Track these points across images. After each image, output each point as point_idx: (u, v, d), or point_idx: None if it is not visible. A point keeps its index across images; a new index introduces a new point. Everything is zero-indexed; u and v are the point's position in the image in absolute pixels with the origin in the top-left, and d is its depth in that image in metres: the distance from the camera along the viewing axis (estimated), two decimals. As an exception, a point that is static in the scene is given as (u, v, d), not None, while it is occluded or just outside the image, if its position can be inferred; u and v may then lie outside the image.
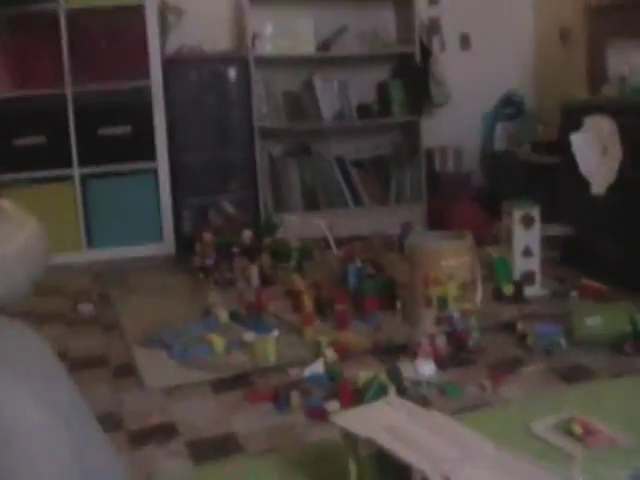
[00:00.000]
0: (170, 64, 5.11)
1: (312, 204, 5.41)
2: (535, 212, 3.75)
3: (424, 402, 2.54)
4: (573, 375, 2.82)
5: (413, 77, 5.55)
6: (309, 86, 5.46)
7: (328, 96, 5.46)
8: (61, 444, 1.06)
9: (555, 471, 1.62)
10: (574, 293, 3.68)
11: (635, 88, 4.19)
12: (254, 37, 5.25)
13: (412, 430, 1.79)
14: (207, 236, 4.27)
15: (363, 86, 5.64)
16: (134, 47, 5.02)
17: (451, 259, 3.22)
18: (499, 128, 5.90)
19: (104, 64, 4.99)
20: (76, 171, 5.01)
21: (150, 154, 5.11)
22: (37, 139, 4.95)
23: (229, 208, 5.11)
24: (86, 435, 1.21)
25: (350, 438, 1.87)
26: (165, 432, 2.52)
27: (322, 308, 3.46)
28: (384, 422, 1.83)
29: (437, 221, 5.11)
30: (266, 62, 5.33)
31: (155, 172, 5.15)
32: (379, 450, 1.77)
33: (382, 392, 2.51)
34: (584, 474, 2.04)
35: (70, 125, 4.95)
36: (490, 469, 1.63)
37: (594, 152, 4.07)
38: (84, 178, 5.05)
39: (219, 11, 5.48)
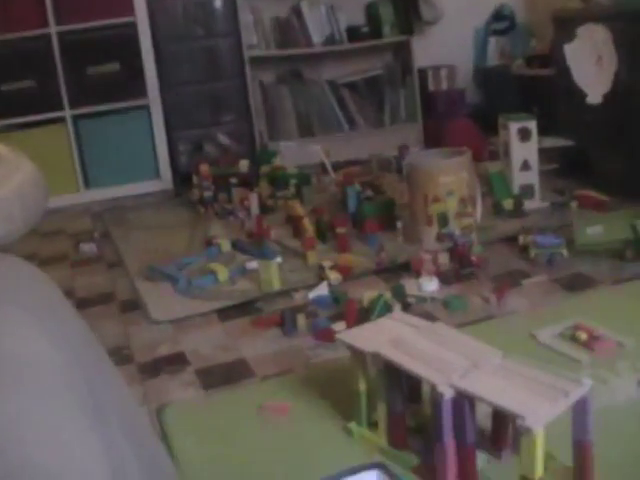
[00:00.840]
0: (155, -4, 5.02)
1: (307, 130, 5.37)
2: (532, 125, 3.72)
3: (429, 317, 2.56)
4: (576, 284, 2.84)
5: (401, -5, 5.47)
6: (297, 11, 5.37)
7: (317, 20, 5.37)
8: (75, 380, 1.07)
9: (563, 375, 1.63)
10: (574, 204, 3.68)
11: (627, -6, 4.12)
12: (238, -37, 5.15)
13: (418, 342, 1.81)
14: (204, 168, 4.25)
15: (352, 8, 5.54)
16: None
17: (449, 176, 3.21)
18: (492, 43, 5.83)
19: (87, 1, 4.90)
20: (67, 112, 4.96)
21: (141, 90, 5.05)
22: (25, 83, 4.89)
23: (224, 139, 5.08)
24: (98, 371, 1.22)
25: (357, 355, 1.89)
26: (175, 362, 2.55)
27: (323, 232, 3.47)
28: (390, 337, 1.85)
29: (433, 140, 5.08)
30: (252, -12, 5.24)
31: (147, 108, 5.10)
32: (387, 365, 1.79)
33: (387, 310, 2.53)
34: (592, 379, 2.06)
35: (57, 66, 4.88)
36: (500, 376, 1.64)
37: (589, 62, 4.02)
38: (76, 119, 5.01)
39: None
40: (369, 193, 3.89)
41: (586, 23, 4.01)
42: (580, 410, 1.60)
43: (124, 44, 5.02)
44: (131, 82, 5.05)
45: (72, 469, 0.95)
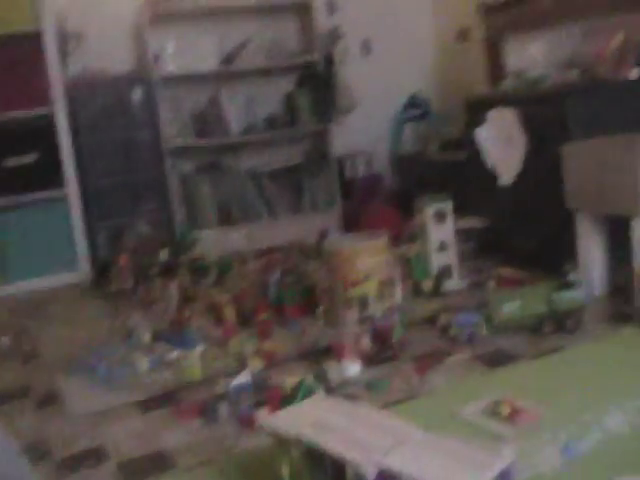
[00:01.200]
0: (73, 89, 5.04)
1: (227, 219, 5.39)
2: (447, 207, 3.82)
3: (352, 399, 2.55)
4: (496, 360, 2.88)
5: (318, 86, 5.59)
6: (216, 102, 5.44)
7: (235, 111, 5.45)
8: None
9: (485, 448, 1.64)
10: (491, 282, 3.75)
11: (532, 79, 4.31)
12: (156, 56, 5.22)
13: (340, 424, 1.80)
14: (123, 259, 4.23)
15: (270, 98, 5.66)
16: (35, 74, 4.95)
17: (367, 258, 3.25)
18: (407, 130, 6.00)
19: (5, 93, 4.89)
20: (-17, 205, 4.89)
21: (59, 181, 5.03)
22: (-59, 176, 4.83)
23: (144, 229, 5.06)
24: (11, 468, 1.19)
25: (281, 440, 1.87)
26: (95, 456, 2.47)
27: (245, 319, 3.46)
28: (312, 420, 1.83)
29: (352, 225, 5.14)
30: (170, 81, 5.30)
31: (65, 199, 5.06)
32: (310, 448, 1.77)
33: (310, 395, 2.50)
34: (515, 451, 2.08)
35: (-28, 158, 4.84)
36: (422, 452, 1.64)
37: (499, 144, 4.17)
38: (-7, 211, 4.94)
39: (119, 33, 5.41)
40: (290, 279, 3.90)
41: (495, 107, 4.16)
42: (503, 482, 1.60)
43: (42, 135, 5.00)
44: (49, 173, 5.02)
45: None
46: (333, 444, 1.71)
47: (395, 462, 1.61)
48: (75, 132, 5.04)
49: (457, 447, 1.64)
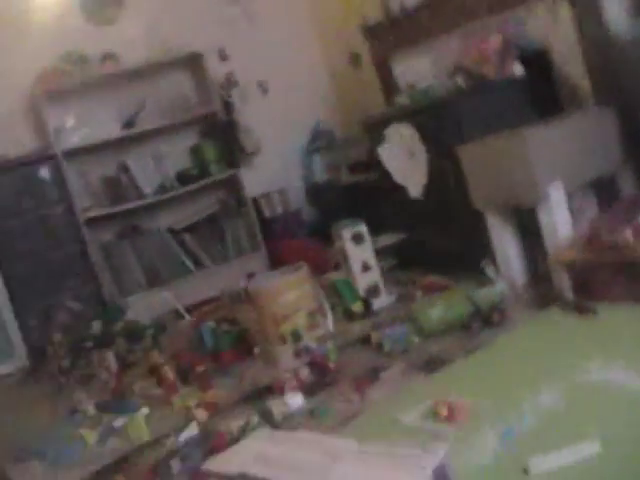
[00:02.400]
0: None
1: (155, 279, 5.39)
2: (362, 228, 3.91)
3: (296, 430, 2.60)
4: (430, 365, 2.96)
5: (222, 134, 5.67)
6: (124, 167, 5.47)
7: (145, 172, 5.47)
8: None
9: (418, 448, 1.71)
10: (418, 293, 3.84)
11: (423, 91, 4.45)
12: (58, 132, 5.23)
13: (279, 453, 1.85)
14: (57, 337, 4.21)
15: (176, 154, 5.70)
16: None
17: (292, 292, 3.31)
18: (316, 160, 6.09)
19: None
20: None
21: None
22: None
23: (74, 305, 5.03)
24: None
25: (227, 480, 1.91)
26: None
27: (184, 375, 3.48)
28: (254, 454, 1.88)
29: (279, 263, 5.20)
30: (76, 154, 5.30)
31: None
32: (256, 482, 1.82)
33: (256, 433, 2.55)
34: (457, 443, 2.16)
35: None
36: (359, 463, 1.70)
37: (402, 159, 4.28)
38: None
39: (15, 112, 5.39)
40: (225, 327, 3.93)
41: (392, 124, 4.28)
42: (440, 476, 1.67)
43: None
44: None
45: None
46: (275, 473, 1.76)
47: (334, 478, 1.66)
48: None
49: (392, 451, 1.71)
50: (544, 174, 3.25)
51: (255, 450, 1.91)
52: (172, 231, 5.56)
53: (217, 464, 1.97)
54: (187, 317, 4.41)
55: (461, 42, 4.59)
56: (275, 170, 5.93)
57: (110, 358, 3.91)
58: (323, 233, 5.00)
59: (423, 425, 2.41)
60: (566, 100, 3.96)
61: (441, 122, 3.96)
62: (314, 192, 6.03)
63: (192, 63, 5.74)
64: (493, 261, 3.57)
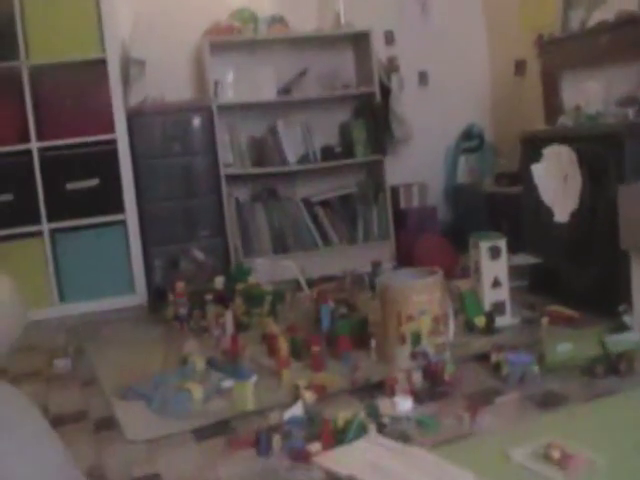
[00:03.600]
0: (134, 116, 5.17)
1: (282, 247, 5.46)
2: (501, 243, 3.83)
3: (404, 437, 2.57)
4: (547, 401, 2.87)
5: (374, 116, 5.65)
6: (273, 131, 5.54)
7: (292, 140, 5.54)
8: None
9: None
10: (544, 320, 3.74)
11: (590, 116, 4.32)
12: (216, 85, 5.33)
13: (393, 466, 1.83)
14: (179, 285, 4.30)
15: (326, 128, 5.74)
16: (98, 100, 5.08)
17: (422, 295, 3.27)
18: (462, 162, 6.03)
19: (68, 119, 5.04)
20: (45, 226, 5.03)
21: (118, 206, 5.15)
22: (4, 197, 4.97)
23: (199, 256, 5.14)
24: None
25: (333, 478, 1.91)
26: (150, 484, 2.53)
27: (297, 351, 3.50)
28: (365, 460, 1.87)
29: (406, 257, 5.18)
30: (229, 109, 5.41)
31: (124, 224, 5.18)
32: (363, 488, 1.80)
33: (362, 430, 2.54)
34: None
35: (37, 181, 4.97)
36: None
37: (555, 181, 4.17)
38: (53, 233, 5.07)
39: (181, 61, 5.56)
40: (343, 310, 3.94)
41: (552, 144, 4.17)
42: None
43: (104, 160, 5.13)
44: (109, 198, 5.14)
45: None
46: (386, 487, 1.74)
47: (447, 508, 1.64)
48: (135, 158, 5.16)
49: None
50: None
51: (368, 456, 1.90)
52: (307, 203, 5.59)
53: (326, 458, 1.96)
54: (307, 290, 4.43)
55: (638, 74, 4.43)
56: (418, 164, 5.89)
57: (227, 317, 3.97)
58: (456, 236, 4.95)
59: (533, 466, 2.34)
60: None
61: (604, 153, 3.82)
62: (454, 193, 5.96)
63: (358, 40, 5.75)
64: (630, 308, 3.44)
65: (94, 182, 5.13)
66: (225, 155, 5.37)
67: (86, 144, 5.06)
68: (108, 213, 5.14)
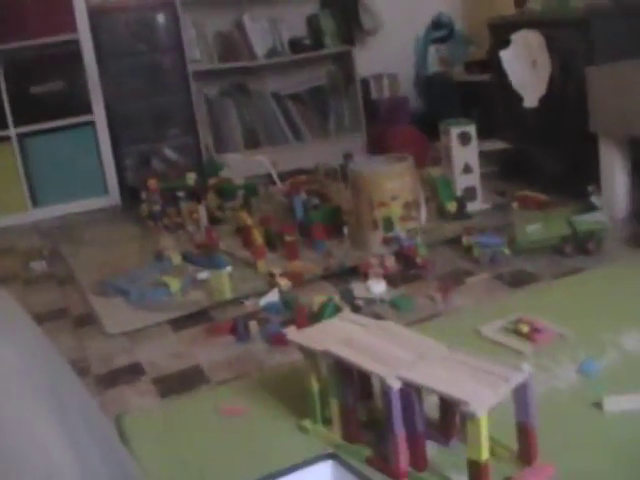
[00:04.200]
0: (97, 15, 5.05)
1: (253, 142, 5.44)
2: (471, 129, 3.84)
3: (378, 318, 2.63)
4: (517, 280, 2.95)
5: (342, 7, 5.56)
6: (239, 25, 5.44)
7: (259, 33, 5.45)
8: (38, 383, 1.12)
9: (504, 363, 1.72)
10: (515, 205, 3.79)
11: (558, 1, 4.26)
12: (179, -22, 5.21)
13: (367, 340, 1.88)
14: (152, 182, 4.29)
15: (293, 20, 5.64)
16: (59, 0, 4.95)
17: (393, 181, 3.30)
18: (432, 51, 5.96)
19: (29, 20, 4.91)
20: (12, 131, 4.96)
21: (86, 107, 5.08)
22: (-33, 103, 4.89)
23: (171, 154, 5.12)
24: (61, 378, 1.27)
25: (309, 355, 1.96)
26: (131, 372, 2.59)
27: (272, 241, 3.53)
28: (339, 336, 1.92)
29: (377, 147, 5.17)
30: (193, 4, 5.28)
31: (93, 125, 5.12)
32: (337, 362, 1.86)
33: (337, 313, 2.58)
34: (534, 368, 2.16)
35: (0, 85, 4.88)
36: (445, 367, 1.72)
37: (524, 66, 4.15)
38: (21, 138, 5.01)
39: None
40: (316, 201, 3.96)
41: (520, 29, 4.13)
42: (521, 395, 1.69)
43: (67, 61, 5.05)
44: (76, 99, 5.07)
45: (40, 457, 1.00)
46: (360, 358, 1.80)
47: (418, 375, 1.69)
48: (100, 57, 5.06)
49: (477, 363, 1.72)
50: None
51: (342, 331, 1.94)
52: (277, 97, 5.55)
53: (300, 337, 2.01)
54: (279, 184, 4.43)
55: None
56: (388, 54, 5.81)
57: (201, 211, 3.98)
58: (427, 125, 4.94)
59: (503, 340, 2.42)
60: None
61: (573, 38, 3.80)
62: (424, 83, 5.92)
63: None
64: (598, 189, 3.49)
65: (59, 85, 5.05)
66: (192, 51, 5.28)
67: (49, 45, 4.94)
68: (75, 115, 5.07)
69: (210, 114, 5.40)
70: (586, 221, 3.17)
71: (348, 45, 5.54)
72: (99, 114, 5.09)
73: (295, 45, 5.53)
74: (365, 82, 5.67)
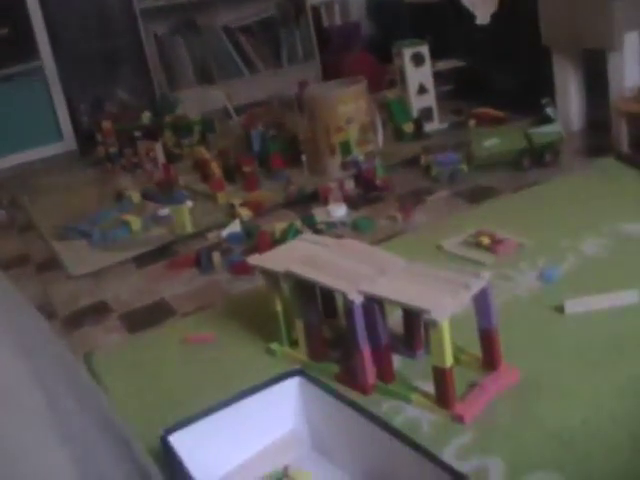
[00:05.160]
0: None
1: (207, 78, 5.36)
2: (424, 50, 3.82)
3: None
4: (477, 196, 2.97)
5: None
6: (185, -42, 5.32)
7: (205, -34, 5.34)
8: (4, 329, 1.11)
9: (463, 271, 1.74)
10: (472, 122, 3.79)
11: None
12: None
13: (327, 258, 1.89)
14: (106, 125, 4.23)
15: (239, -49, 5.52)
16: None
17: (348, 104, 3.29)
18: (382, -25, 5.88)
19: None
20: (-40, 82, 4.85)
21: (33, 53, 4.97)
22: None
23: (124, 95, 5.04)
24: (23, 317, 1.27)
25: (271, 277, 1.96)
26: (97, 311, 2.59)
27: (230, 174, 3.52)
28: (300, 256, 1.92)
29: (332, 75, 5.11)
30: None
31: (42, 71, 5.01)
32: (299, 282, 1.86)
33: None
34: (496, 277, 2.19)
35: (-57, 35, 4.76)
36: (405, 279, 1.74)
37: (474, -17, 4.11)
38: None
39: None
40: (273, 132, 3.93)
41: (468, -54, 4.09)
42: (482, 300, 1.71)
43: (10, 7, 4.90)
44: (22, 46, 4.94)
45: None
46: (321, 276, 1.80)
47: (379, 289, 1.70)
48: (44, 1, 4.93)
49: (437, 273, 1.73)
50: (623, 20, 3.12)
51: (302, 252, 1.95)
52: (227, 30, 5.45)
53: (261, 260, 2.01)
54: (235, 117, 4.40)
55: None
56: (338, -21, 5.73)
57: (158, 149, 3.94)
58: (381, 50, 4.90)
59: (464, 253, 2.44)
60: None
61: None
62: (376, 6, 5.85)
63: None
64: (553, 102, 3.49)
65: (4, 31, 4.92)
66: (138, -12, 5.16)
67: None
68: (23, 61, 4.96)
69: (161, 52, 5.29)
70: (542, 133, 3.17)
71: (297, -27, 5.45)
72: (47, 60, 4.97)
73: (243, -24, 5.43)
74: (316, 10, 5.58)
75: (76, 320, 2.56)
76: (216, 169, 3.40)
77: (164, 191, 3.49)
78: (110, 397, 1.93)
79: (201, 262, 2.69)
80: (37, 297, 2.79)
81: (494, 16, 4.00)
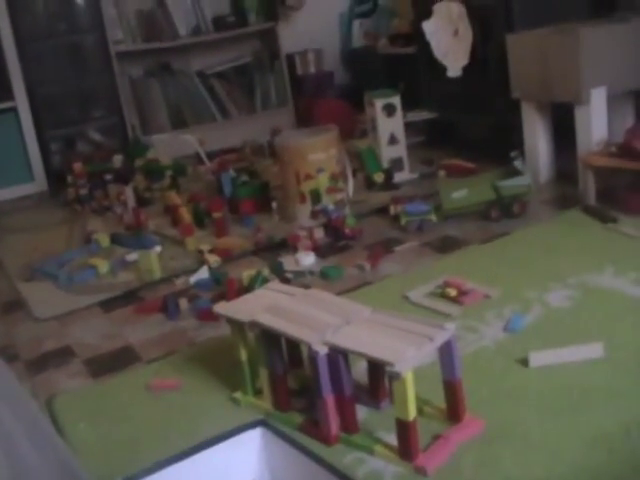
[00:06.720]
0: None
1: (180, 122, 5.39)
2: (396, 100, 3.86)
3: (307, 289, 2.65)
4: (445, 246, 2.99)
5: (264, -17, 5.53)
6: (161, 3, 5.37)
7: (181, 11, 5.39)
8: None
9: (428, 323, 1.74)
10: (442, 173, 3.83)
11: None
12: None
13: (293, 307, 1.89)
14: (77, 166, 4.23)
15: (216, -3, 5.59)
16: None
17: (319, 153, 3.31)
18: (356, 25, 5.96)
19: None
20: None
21: (7, 93, 4.97)
22: None
23: (96, 136, 5.04)
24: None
25: (236, 327, 1.96)
26: (61, 355, 2.55)
27: (200, 219, 3.52)
28: (266, 305, 1.92)
29: (305, 122, 5.17)
30: (113, -18, 5.20)
31: (15, 111, 5.01)
32: (264, 331, 1.86)
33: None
34: (462, 329, 2.20)
35: None
36: (369, 329, 1.74)
37: (446, 36, 4.18)
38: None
39: None
40: (244, 178, 3.95)
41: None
42: (446, 352, 1.72)
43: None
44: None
45: None
46: (286, 326, 1.80)
47: (344, 340, 1.71)
48: (19, 40, 4.95)
49: (401, 323, 1.74)
50: (590, 76, 3.19)
51: (268, 301, 1.95)
52: (202, 75, 5.50)
53: (227, 309, 2.01)
54: (208, 163, 4.41)
55: None
56: (313, 30, 5.80)
57: (128, 193, 3.94)
58: (353, 98, 4.96)
59: (431, 304, 2.45)
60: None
61: (492, 5, 3.84)
62: (350, 57, 5.94)
63: None
64: (522, 154, 3.54)
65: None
66: (114, 32, 5.19)
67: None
68: (-3, 101, 4.97)
69: (135, 95, 5.33)
70: (510, 185, 3.21)
71: (272, 21, 5.52)
72: (21, 99, 4.98)
73: (219, 23, 5.48)
74: (291, 58, 5.66)
75: (39, 364, 2.52)
76: (185, 214, 3.40)
77: (133, 235, 3.48)
78: (71, 443, 1.91)
79: (168, 308, 2.68)
80: (0, 339, 2.75)
81: (465, 68, 4.08)
